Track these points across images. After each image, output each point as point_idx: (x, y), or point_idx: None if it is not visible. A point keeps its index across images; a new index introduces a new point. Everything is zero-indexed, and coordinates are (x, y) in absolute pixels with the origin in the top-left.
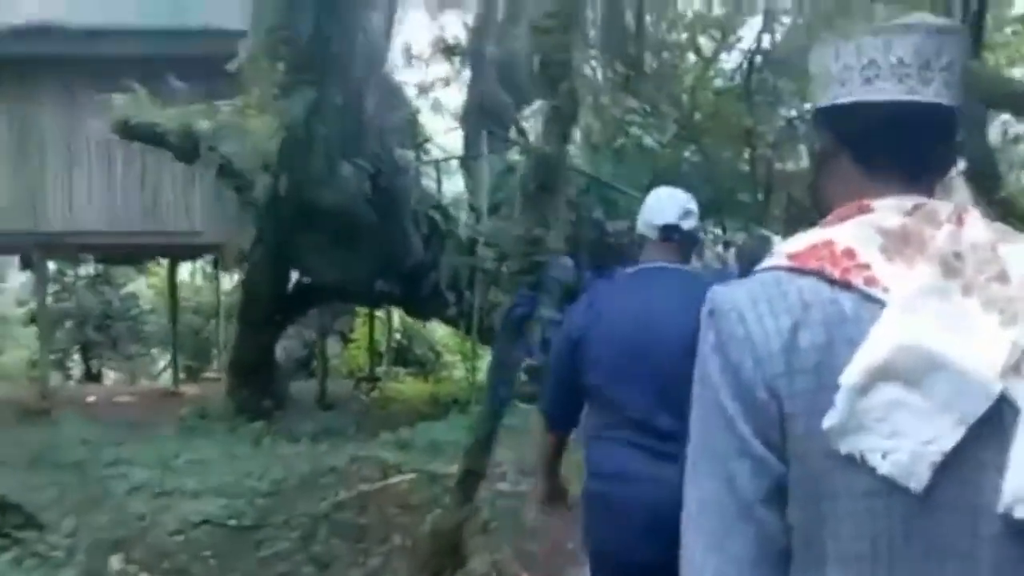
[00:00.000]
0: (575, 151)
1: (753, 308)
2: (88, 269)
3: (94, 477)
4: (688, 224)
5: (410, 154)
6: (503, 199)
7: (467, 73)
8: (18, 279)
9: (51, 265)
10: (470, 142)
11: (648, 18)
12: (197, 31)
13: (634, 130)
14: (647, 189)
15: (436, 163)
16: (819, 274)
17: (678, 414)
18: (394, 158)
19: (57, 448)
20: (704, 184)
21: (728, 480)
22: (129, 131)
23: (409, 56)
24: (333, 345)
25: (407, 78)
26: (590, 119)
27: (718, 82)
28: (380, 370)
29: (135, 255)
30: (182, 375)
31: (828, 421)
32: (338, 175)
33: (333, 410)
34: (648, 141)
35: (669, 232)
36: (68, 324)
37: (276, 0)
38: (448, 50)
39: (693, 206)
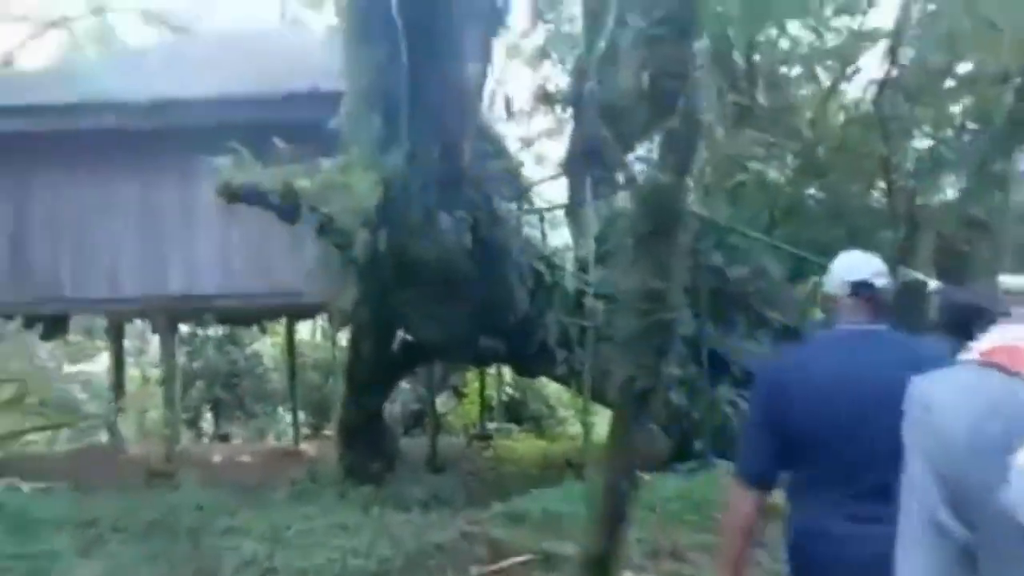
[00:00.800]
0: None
1: (956, 403)
2: (217, 330)
3: (207, 548)
4: (880, 282)
5: (511, 205)
6: (611, 248)
7: (569, 121)
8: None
9: (182, 327)
10: (574, 189)
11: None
12: (305, 95)
13: (754, 164)
14: (768, 230)
15: (540, 213)
16: (1002, 368)
17: (885, 474)
18: (494, 209)
19: (174, 514)
20: (834, 222)
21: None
22: (232, 193)
23: (510, 109)
24: (448, 400)
25: (510, 131)
26: (702, 156)
27: (840, 114)
28: (492, 426)
29: (251, 316)
30: (306, 431)
31: (1008, 498)
32: (436, 228)
33: (444, 472)
34: (771, 175)
35: (861, 289)
36: (199, 384)
37: (371, 56)
38: (548, 98)
39: (884, 268)
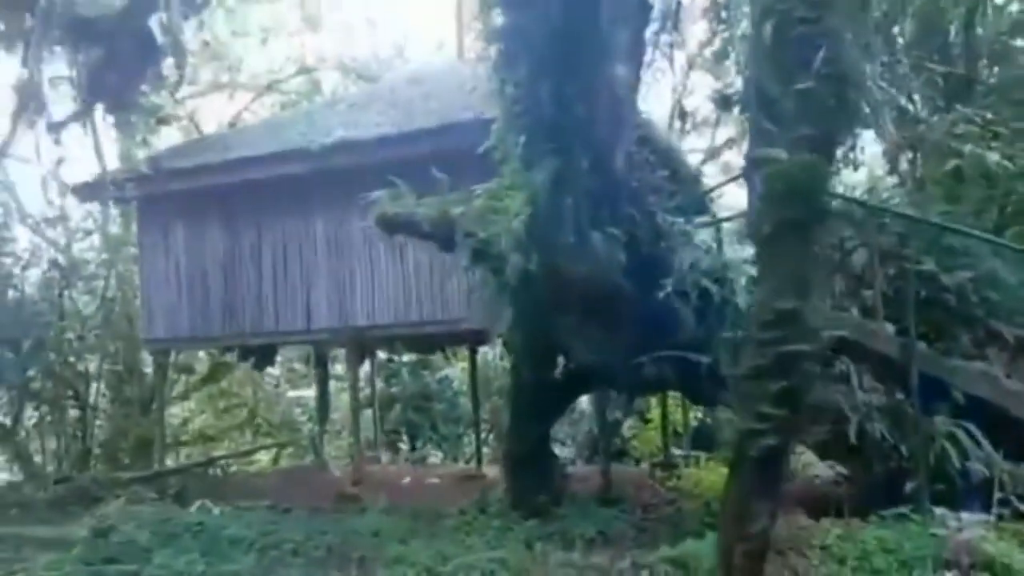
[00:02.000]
0: (891, 191)
1: None
2: (411, 356)
3: None
4: None
5: (678, 219)
6: None
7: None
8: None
9: (380, 354)
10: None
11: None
12: (470, 123)
13: (970, 147)
14: (998, 229)
15: (716, 224)
16: None
17: None
18: (655, 223)
19: (351, 540)
20: None
21: None
22: (388, 223)
23: (686, 118)
24: (633, 426)
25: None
26: (904, 146)
27: None
28: (678, 453)
29: (431, 343)
30: (490, 454)
31: None
32: (589, 246)
33: (617, 505)
34: (993, 158)
35: None
36: (397, 407)
37: (515, 71)
38: (726, 102)
39: None
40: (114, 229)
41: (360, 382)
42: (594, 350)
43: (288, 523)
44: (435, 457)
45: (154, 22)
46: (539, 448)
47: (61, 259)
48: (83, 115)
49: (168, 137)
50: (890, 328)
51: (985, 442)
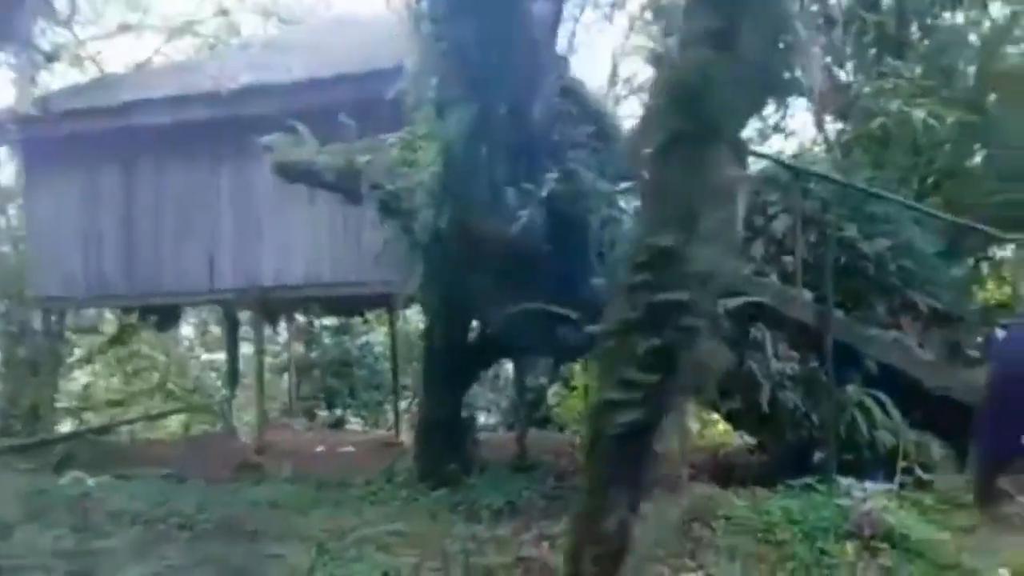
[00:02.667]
0: (816, 154)
1: None
2: (332, 320)
3: (259, 554)
4: None
5: (593, 177)
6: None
7: None
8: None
9: (300, 318)
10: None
11: None
12: (390, 72)
13: (898, 104)
14: (920, 196)
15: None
16: None
17: None
18: (574, 180)
19: (246, 512)
20: (1005, 185)
21: None
22: (287, 171)
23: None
24: (559, 392)
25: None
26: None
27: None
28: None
29: (343, 307)
30: (409, 422)
31: None
32: (503, 202)
33: (530, 474)
34: (919, 115)
35: None
36: (315, 373)
37: (434, 7)
38: (658, 61)
39: None
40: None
41: (277, 346)
42: (510, 314)
43: (181, 494)
44: (355, 424)
45: None
46: (452, 415)
47: None
48: None
49: (70, 79)
50: (808, 295)
51: (894, 411)
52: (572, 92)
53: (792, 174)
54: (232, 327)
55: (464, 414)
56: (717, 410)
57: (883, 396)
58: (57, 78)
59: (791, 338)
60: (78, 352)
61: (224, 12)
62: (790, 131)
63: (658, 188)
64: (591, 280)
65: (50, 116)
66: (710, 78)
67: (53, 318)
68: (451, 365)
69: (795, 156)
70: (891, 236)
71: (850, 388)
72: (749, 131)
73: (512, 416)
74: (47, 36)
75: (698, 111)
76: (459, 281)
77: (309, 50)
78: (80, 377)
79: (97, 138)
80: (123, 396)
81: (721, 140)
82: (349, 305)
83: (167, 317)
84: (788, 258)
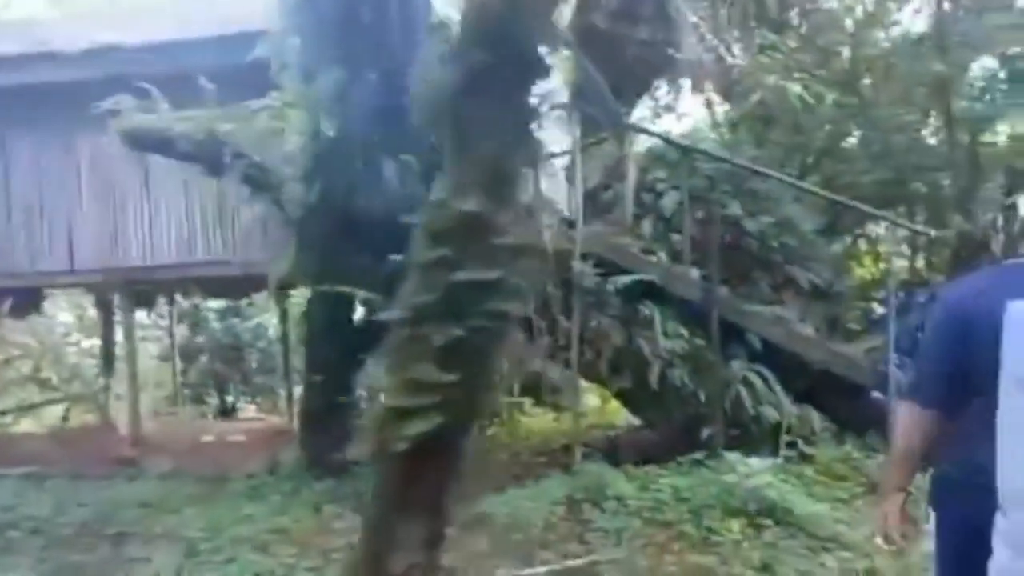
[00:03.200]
0: (705, 133)
1: None
2: (221, 302)
3: (122, 559)
4: None
5: None
6: (610, 201)
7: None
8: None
9: (182, 301)
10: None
11: None
12: (252, 34)
13: (774, 79)
14: (802, 175)
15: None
16: None
17: None
18: None
19: (112, 513)
20: (879, 163)
21: None
22: (136, 139)
23: None
24: None
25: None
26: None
27: (889, 34)
28: (506, 401)
29: (226, 288)
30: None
31: None
32: (380, 176)
33: None
34: (795, 89)
35: None
36: (203, 359)
37: None
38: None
39: None
40: None
41: (160, 331)
42: (393, 296)
43: (40, 495)
44: (250, 411)
45: None
46: (337, 403)
47: None
48: None
49: None
50: (696, 273)
51: (777, 386)
52: None
53: (680, 152)
54: (105, 311)
55: (351, 398)
56: (607, 388)
57: (767, 372)
58: None
59: (679, 315)
60: None
61: None
62: (683, 112)
63: (459, 139)
64: None
65: None
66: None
67: None
68: (333, 347)
69: (685, 136)
70: (773, 213)
71: (735, 364)
72: (641, 111)
73: None
74: None
75: (502, 41)
76: (336, 259)
77: (173, 9)
78: None
79: None
80: None
81: (535, 75)
82: (232, 286)
83: (25, 300)
84: (677, 236)
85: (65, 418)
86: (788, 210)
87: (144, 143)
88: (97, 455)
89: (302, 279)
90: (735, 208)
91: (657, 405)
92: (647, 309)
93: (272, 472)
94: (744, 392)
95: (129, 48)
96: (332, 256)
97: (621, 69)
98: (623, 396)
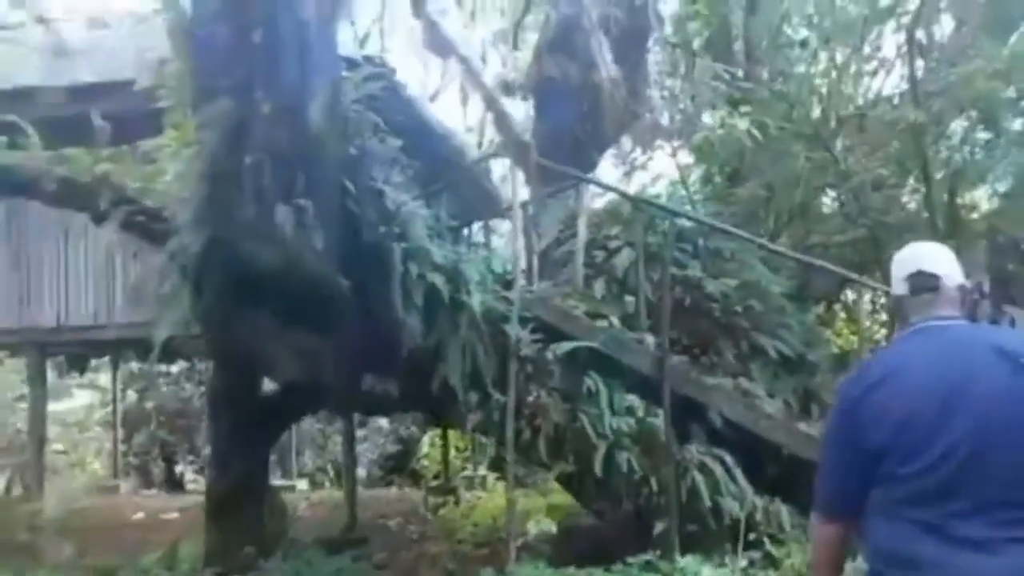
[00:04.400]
0: (678, 192)
1: None
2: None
3: None
4: (946, 271)
5: (402, 198)
6: (563, 258)
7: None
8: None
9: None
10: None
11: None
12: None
13: (723, 114)
14: (772, 236)
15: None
16: None
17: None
18: (380, 202)
19: None
20: (853, 224)
21: None
22: (3, 183)
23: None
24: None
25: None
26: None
27: (861, 93)
28: (466, 474)
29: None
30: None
31: None
32: (273, 222)
33: (360, 545)
34: (743, 126)
35: (922, 281)
36: (151, 426)
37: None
38: (506, 87)
39: (951, 256)
40: None
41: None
42: (301, 362)
43: None
44: (196, 483)
45: None
46: (247, 484)
47: None
48: None
49: None
50: (650, 340)
51: (739, 474)
52: (382, 100)
53: (633, 206)
54: (37, 374)
55: (260, 480)
56: (547, 470)
57: (728, 456)
58: None
59: (629, 388)
60: None
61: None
62: (657, 173)
63: None
64: (397, 320)
65: None
66: None
67: None
68: (240, 422)
69: (658, 196)
70: (738, 275)
71: (692, 447)
72: (610, 168)
73: (382, 470)
74: None
75: None
76: (236, 320)
77: (84, 52)
78: None
79: None
80: None
81: None
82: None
83: None
84: (630, 298)
85: (8, 489)
86: (755, 272)
87: (8, 184)
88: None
89: (207, 344)
90: (695, 268)
91: (603, 492)
92: (592, 381)
93: (170, 567)
94: (701, 480)
95: (28, 91)
96: (233, 316)
97: (583, 121)
98: (565, 481)
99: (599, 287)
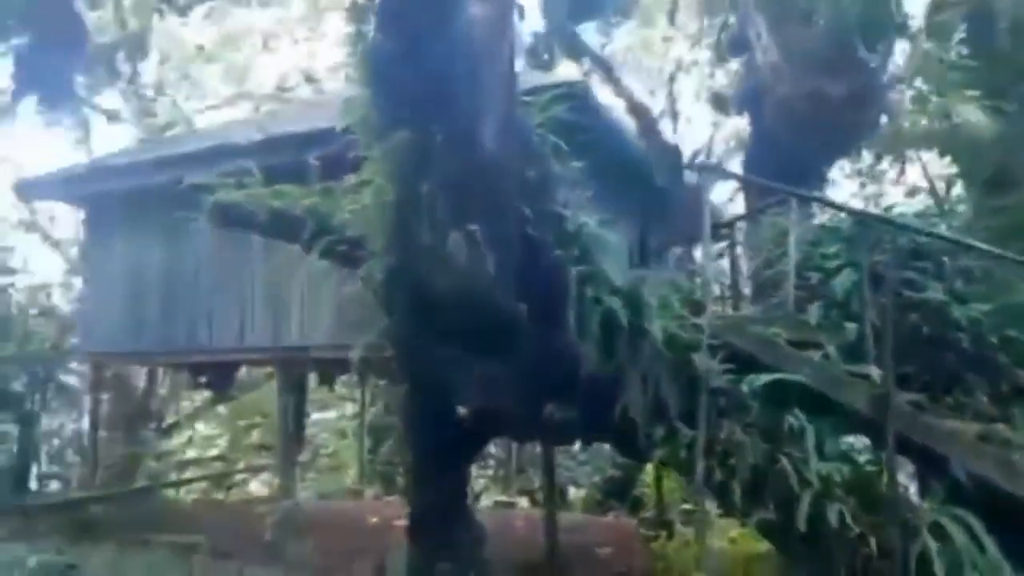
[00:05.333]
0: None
1: None
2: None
3: None
4: None
5: (583, 219)
6: (775, 279)
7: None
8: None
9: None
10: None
11: None
12: None
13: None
14: None
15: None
16: None
17: None
18: (560, 224)
19: None
20: None
21: None
22: (222, 216)
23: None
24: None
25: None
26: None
27: None
28: (685, 507)
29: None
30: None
31: None
32: (449, 249)
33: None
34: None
35: None
36: (395, 437)
37: (371, 16)
38: (718, 100)
39: None
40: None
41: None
42: (481, 387)
43: (170, 570)
44: None
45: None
46: (443, 503)
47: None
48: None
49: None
50: (876, 373)
51: (989, 542)
52: (573, 123)
53: (855, 222)
54: (289, 387)
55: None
56: (743, 518)
57: (973, 520)
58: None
59: (845, 430)
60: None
61: (313, 80)
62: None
63: None
64: (574, 346)
65: (101, 172)
66: None
67: (96, 373)
68: (432, 444)
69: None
70: (994, 300)
71: (925, 504)
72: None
73: (604, 496)
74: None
75: None
76: (420, 343)
77: (328, 103)
78: (186, 432)
79: (141, 193)
80: (224, 452)
81: None
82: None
83: (221, 376)
84: (851, 325)
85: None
86: (1019, 294)
87: (228, 218)
88: (246, 532)
89: (400, 365)
90: (936, 291)
91: (811, 549)
92: (795, 419)
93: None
94: (934, 547)
95: (291, 138)
96: (409, 337)
97: (805, 131)
98: (767, 530)
99: (814, 312)
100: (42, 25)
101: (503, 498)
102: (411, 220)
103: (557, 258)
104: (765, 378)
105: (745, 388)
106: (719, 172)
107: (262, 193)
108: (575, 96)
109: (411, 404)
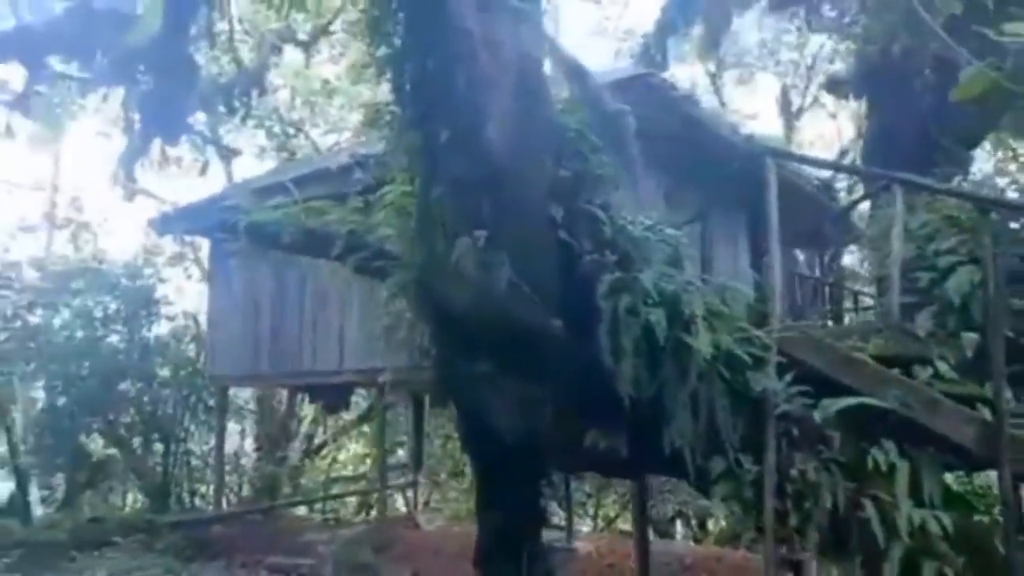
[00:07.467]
0: None
1: None
2: None
3: None
4: None
5: (622, 220)
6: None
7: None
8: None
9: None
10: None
11: None
12: None
13: None
14: None
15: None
16: None
17: None
18: (595, 226)
19: None
20: None
21: None
22: (254, 234)
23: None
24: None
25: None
26: None
27: None
28: None
29: None
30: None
31: None
32: (459, 256)
33: None
34: None
35: None
36: None
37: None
38: (833, 85)
39: None
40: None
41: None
42: (517, 414)
43: None
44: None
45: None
46: (510, 539)
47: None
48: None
49: None
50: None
51: None
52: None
53: (978, 210)
54: (384, 409)
55: (519, 532)
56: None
57: None
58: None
59: (948, 467)
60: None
61: None
62: None
63: None
64: (608, 365)
65: (220, 205)
66: None
67: (221, 395)
68: (487, 472)
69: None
70: None
71: None
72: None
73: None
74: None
75: None
76: (450, 361)
77: None
78: (332, 452)
79: None
80: (367, 471)
81: None
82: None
83: (336, 397)
84: (972, 335)
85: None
86: None
87: (259, 237)
88: (349, 556)
89: (419, 385)
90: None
91: None
92: (883, 455)
93: None
94: None
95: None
96: (439, 354)
97: (934, 112)
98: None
99: (924, 320)
100: (158, 68)
101: (627, 527)
102: (425, 226)
103: (592, 264)
104: (844, 403)
105: (818, 416)
106: (793, 157)
107: (295, 211)
108: (652, 89)
109: (460, 426)
